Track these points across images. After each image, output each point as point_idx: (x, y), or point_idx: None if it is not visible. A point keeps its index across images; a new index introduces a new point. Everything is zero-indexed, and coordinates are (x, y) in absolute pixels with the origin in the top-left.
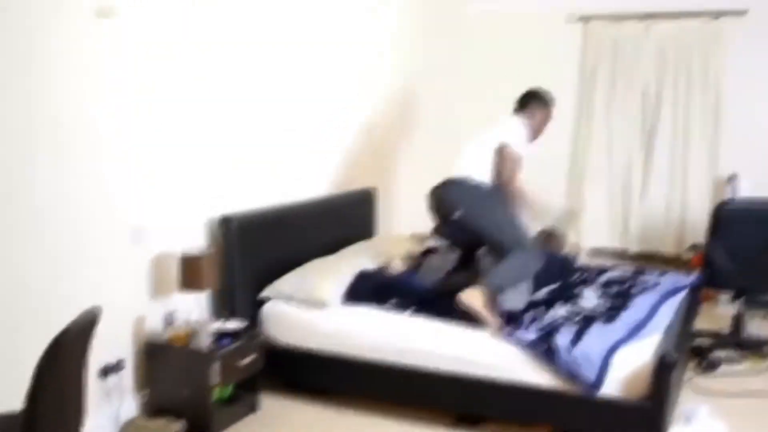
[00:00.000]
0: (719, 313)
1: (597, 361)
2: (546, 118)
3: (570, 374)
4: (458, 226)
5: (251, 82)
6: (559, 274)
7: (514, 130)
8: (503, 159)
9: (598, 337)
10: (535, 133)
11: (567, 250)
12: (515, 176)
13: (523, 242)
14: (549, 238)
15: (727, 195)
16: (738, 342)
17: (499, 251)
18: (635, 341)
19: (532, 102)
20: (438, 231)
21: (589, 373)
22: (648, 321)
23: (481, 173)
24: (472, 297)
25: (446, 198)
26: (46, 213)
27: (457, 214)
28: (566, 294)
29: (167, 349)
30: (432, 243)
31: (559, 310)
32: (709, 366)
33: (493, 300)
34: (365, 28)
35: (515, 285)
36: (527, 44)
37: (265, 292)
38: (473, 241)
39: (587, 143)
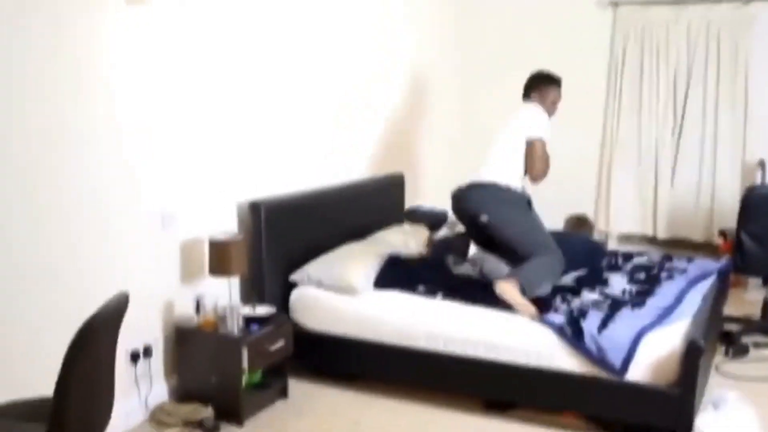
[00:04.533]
0: (748, 298)
1: (624, 346)
2: (557, 97)
3: (596, 359)
4: (482, 230)
5: (280, 68)
6: (588, 260)
7: (537, 119)
8: (533, 156)
9: (625, 323)
10: (550, 112)
11: (596, 235)
12: (546, 170)
13: (549, 246)
14: (579, 222)
15: (756, 180)
16: (767, 327)
17: (526, 256)
18: (663, 327)
19: (542, 84)
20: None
21: (616, 359)
22: (675, 307)
23: (509, 177)
24: (508, 288)
25: (471, 202)
26: (75, 199)
27: (482, 219)
28: (594, 279)
29: (196, 335)
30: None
31: (587, 296)
32: (738, 351)
33: (522, 292)
34: (390, 14)
35: (540, 284)
36: (556, 29)
37: (294, 276)
38: (495, 243)
39: (617, 129)
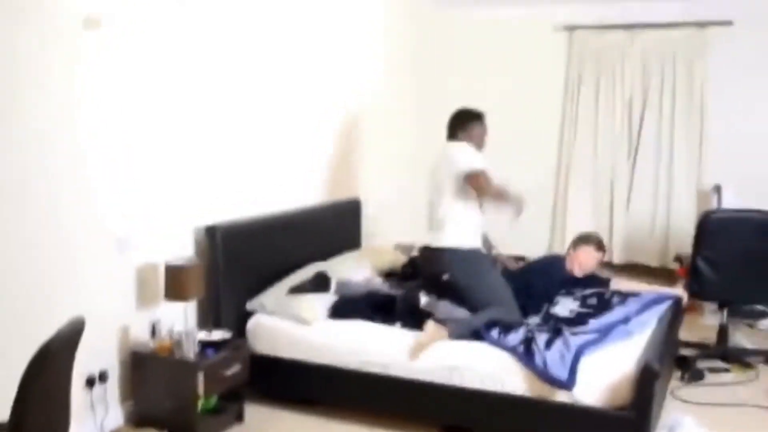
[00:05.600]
0: (704, 323)
1: (568, 360)
2: (483, 131)
3: (544, 376)
4: (443, 284)
5: (237, 93)
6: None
7: (464, 154)
8: (472, 184)
9: (569, 339)
10: (479, 146)
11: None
12: (490, 187)
13: (501, 302)
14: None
15: (711, 205)
16: (723, 352)
17: (478, 309)
18: (608, 345)
19: (465, 121)
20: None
21: (561, 373)
22: (620, 326)
23: (465, 236)
24: (433, 332)
25: (436, 264)
26: (32, 222)
27: (444, 278)
28: (541, 301)
29: (152, 360)
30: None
31: (533, 319)
32: (693, 376)
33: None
34: (351, 39)
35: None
36: (513, 53)
37: (250, 306)
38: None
39: (572, 153)
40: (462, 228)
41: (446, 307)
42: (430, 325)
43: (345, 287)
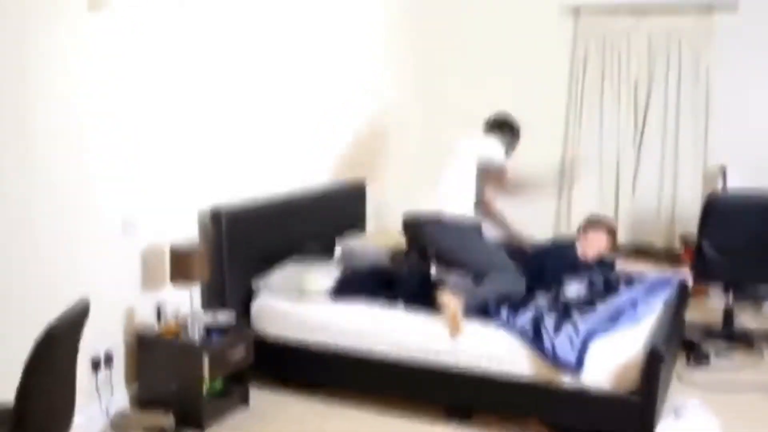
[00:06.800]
0: (709, 306)
1: (576, 344)
2: (514, 147)
3: (553, 358)
4: (434, 258)
5: (242, 75)
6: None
7: (496, 149)
8: (496, 177)
9: (578, 323)
10: (508, 155)
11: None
12: (508, 185)
13: (498, 267)
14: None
15: (717, 187)
16: (728, 335)
17: (476, 278)
18: (616, 329)
19: (506, 129)
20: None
21: (569, 357)
22: (628, 310)
23: (458, 206)
24: (452, 303)
25: (421, 234)
26: (36, 204)
27: (429, 251)
28: (551, 284)
29: (158, 342)
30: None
31: (541, 300)
32: (699, 359)
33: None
34: (356, 23)
35: (494, 299)
36: (519, 36)
37: (255, 284)
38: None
39: (578, 136)
40: (459, 200)
41: (455, 278)
42: (446, 296)
43: (350, 256)
